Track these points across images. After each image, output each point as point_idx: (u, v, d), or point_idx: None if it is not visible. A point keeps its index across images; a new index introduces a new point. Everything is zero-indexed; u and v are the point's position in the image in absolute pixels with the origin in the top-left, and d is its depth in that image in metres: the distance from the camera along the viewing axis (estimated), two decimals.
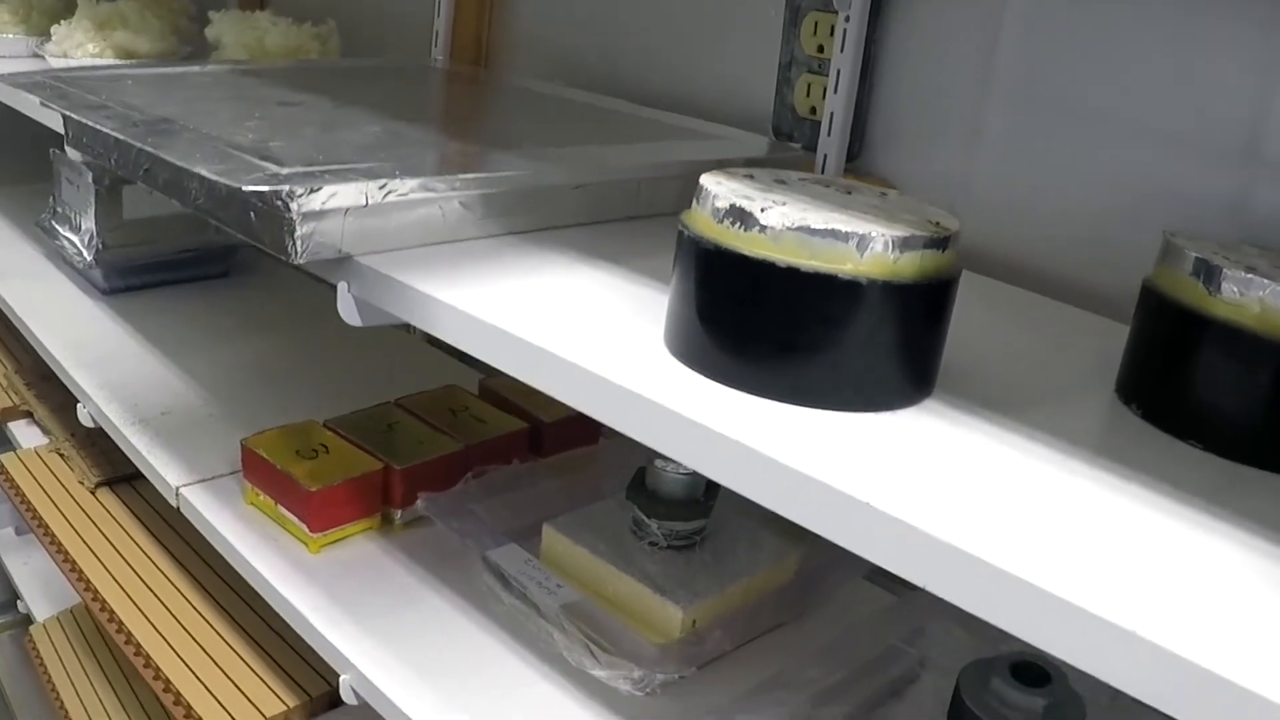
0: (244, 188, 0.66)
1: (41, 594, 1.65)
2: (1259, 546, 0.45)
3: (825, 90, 0.92)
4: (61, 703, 1.42)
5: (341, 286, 0.71)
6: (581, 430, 1.05)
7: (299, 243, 0.68)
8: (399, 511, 0.95)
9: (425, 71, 1.29)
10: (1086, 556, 0.43)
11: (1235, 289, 0.54)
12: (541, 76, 1.25)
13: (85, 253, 1.38)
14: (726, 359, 0.54)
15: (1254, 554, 0.44)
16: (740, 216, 0.52)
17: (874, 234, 0.50)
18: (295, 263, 0.69)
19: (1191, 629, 0.38)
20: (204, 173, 0.70)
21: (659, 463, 0.82)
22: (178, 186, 0.76)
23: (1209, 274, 0.55)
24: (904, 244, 0.51)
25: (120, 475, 1.29)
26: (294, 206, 0.66)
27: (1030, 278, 0.83)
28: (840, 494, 0.46)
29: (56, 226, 1.47)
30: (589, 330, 0.60)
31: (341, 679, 0.80)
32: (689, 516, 0.83)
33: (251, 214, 0.70)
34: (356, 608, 0.85)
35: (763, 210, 0.52)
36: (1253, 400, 0.54)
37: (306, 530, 0.90)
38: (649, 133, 0.99)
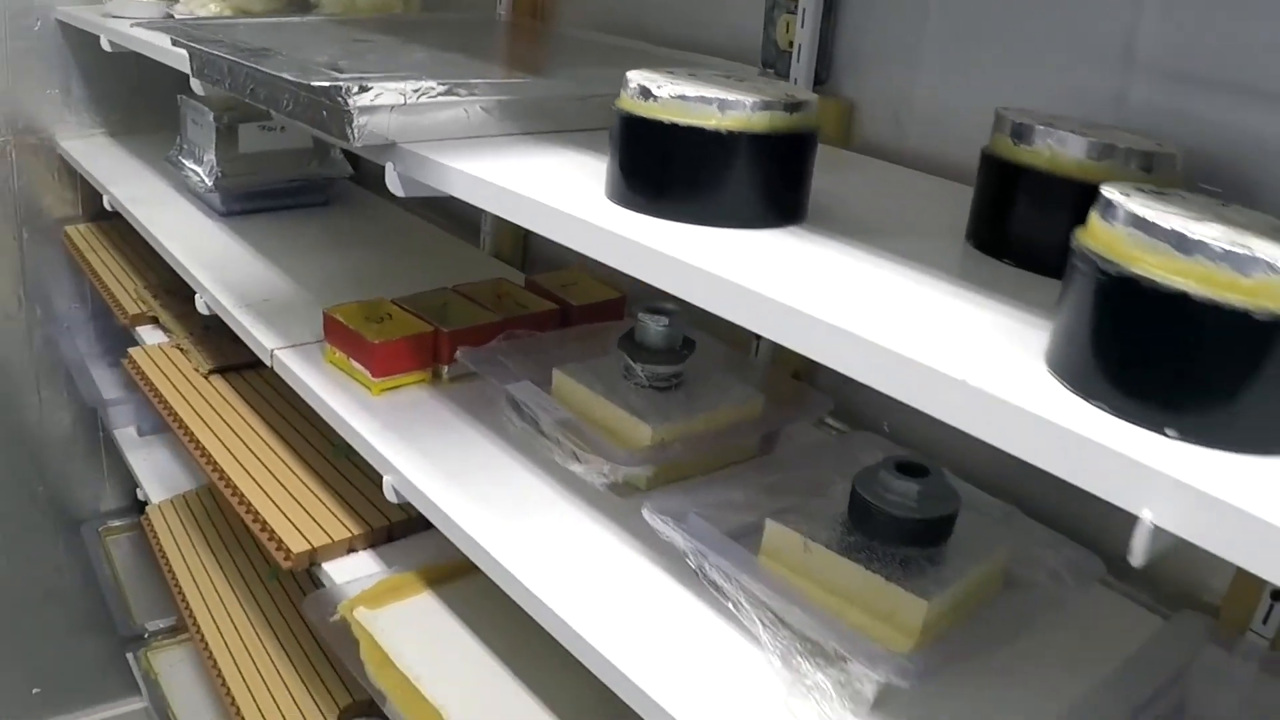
0: (312, 83, 0.92)
1: (159, 485, 1.96)
2: (1032, 321, 0.66)
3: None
4: (171, 571, 1.72)
5: (389, 166, 0.97)
6: (607, 314, 1.30)
7: (356, 131, 0.93)
8: (445, 367, 1.21)
9: (488, 23, 1.55)
10: (910, 324, 0.64)
11: (1033, 139, 0.76)
12: (586, 27, 1.50)
13: (206, 180, 1.68)
14: (641, 196, 0.78)
15: (1029, 327, 0.65)
16: (644, 92, 0.77)
17: (734, 99, 0.74)
18: (354, 147, 0.95)
19: (990, 371, 0.58)
20: (287, 77, 0.96)
21: (644, 316, 1.06)
22: (274, 98, 1.03)
23: (1017, 131, 0.77)
24: (758, 106, 0.74)
25: (228, 365, 1.59)
26: (350, 102, 0.91)
27: (962, 173, 1.05)
28: (713, 275, 0.69)
29: (183, 160, 1.77)
30: (555, 187, 0.84)
31: (385, 480, 1.07)
32: (667, 362, 1.07)
33: (324, 111, 0.96)
34: (403, 432, 1.11)
35: (658, 87, 0.76)
36: (1045, 225, 0.75)
37: (370, 376, 1.17)
38: (656, 64, 1.23)
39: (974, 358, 0.59)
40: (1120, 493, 0.49)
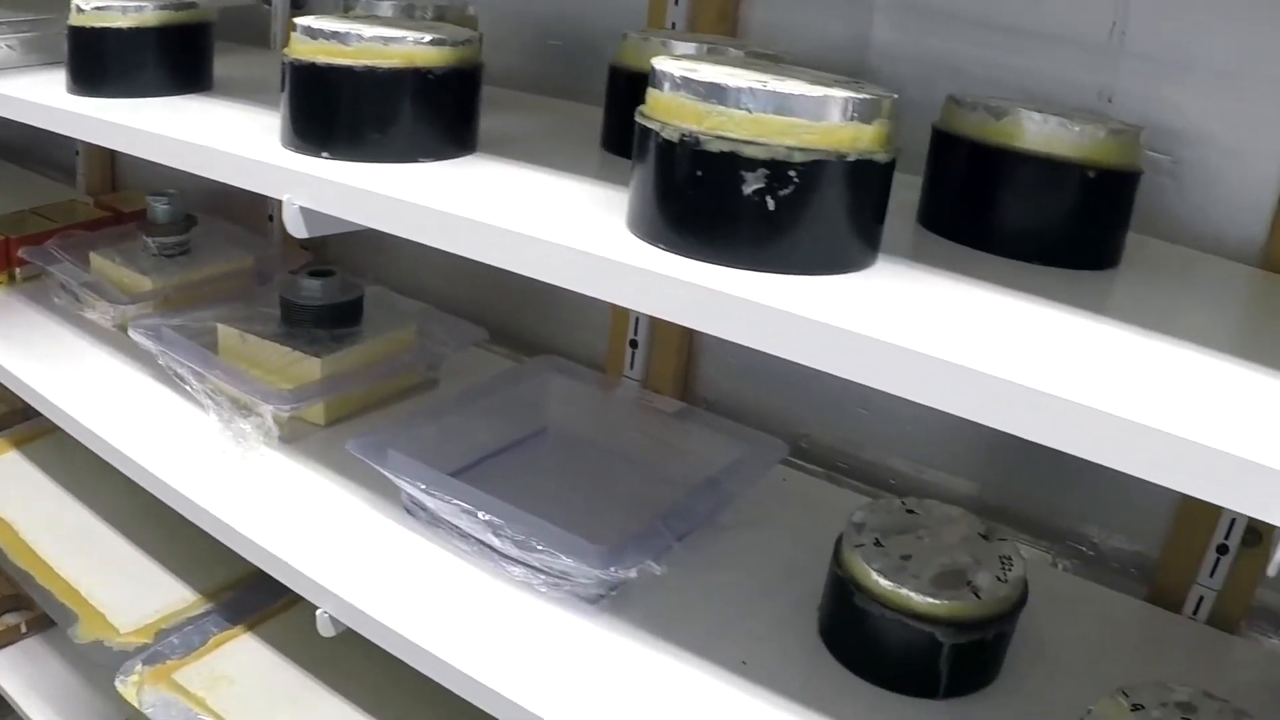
0: None
1: None
2: None
3: None
4: None
5: None
6: None
7: None
8: (18, 270, 1.71)
9: None
10: None
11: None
12: None
13: None
14: (83, 84, 1.30)
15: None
16: (78, 9, 1.29)
17: (139, 5, 1.26)
18: None
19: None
20: None
21: (149, 198, 1.58)
22: None
23: None
24: (155, 6, 1.27)
25: None
26: None
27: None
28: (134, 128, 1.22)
29: None
30: (40, 93, 1.35)
31: None
32: (169, 234, 1.58)
33: None
34: None
35: (87, 4, 1.28)
36: None
37: None
38: None
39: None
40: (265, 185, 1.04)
